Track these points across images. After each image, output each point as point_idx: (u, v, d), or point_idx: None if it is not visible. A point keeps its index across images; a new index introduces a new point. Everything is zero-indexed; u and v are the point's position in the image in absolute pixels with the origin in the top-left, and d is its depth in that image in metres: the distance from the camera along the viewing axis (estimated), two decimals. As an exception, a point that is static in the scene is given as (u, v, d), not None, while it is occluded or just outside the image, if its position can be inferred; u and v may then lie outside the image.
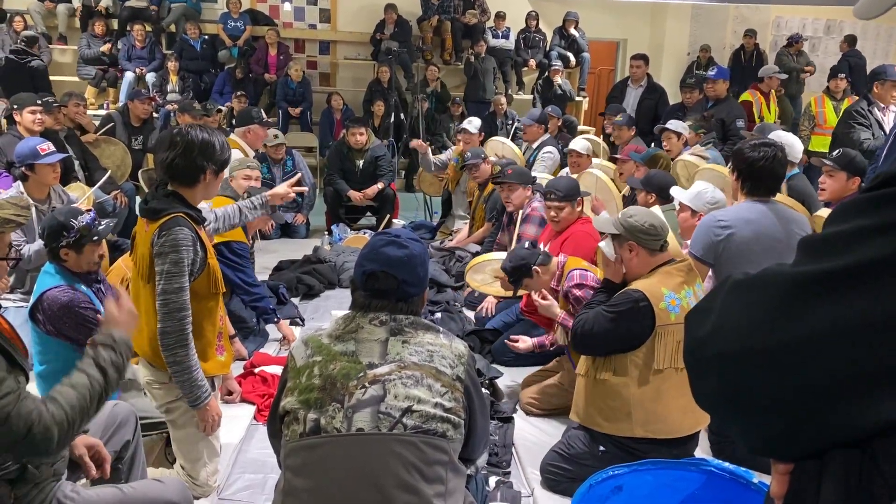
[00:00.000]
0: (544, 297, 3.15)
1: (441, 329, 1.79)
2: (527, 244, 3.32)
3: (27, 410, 1.57)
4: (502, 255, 4.06)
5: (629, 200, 4.86)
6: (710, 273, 3.00)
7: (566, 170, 5.53)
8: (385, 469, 1.60)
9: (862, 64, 8.99)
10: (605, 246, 2.74)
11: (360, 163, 6.45)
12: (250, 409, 3.29)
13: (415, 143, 6.45)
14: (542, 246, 3.69)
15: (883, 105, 5.68)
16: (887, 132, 5.59)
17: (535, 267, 3.19)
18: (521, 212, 4.60)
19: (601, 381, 2.61)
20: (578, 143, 5.38)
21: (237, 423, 3.15)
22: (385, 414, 1.61)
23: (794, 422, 0.72)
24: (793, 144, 4.19)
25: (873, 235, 0.68)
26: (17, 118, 4.86)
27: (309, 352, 1.72)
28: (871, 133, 5.55)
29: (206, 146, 2.39)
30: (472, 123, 6.18)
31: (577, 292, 3.06)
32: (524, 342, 3.40)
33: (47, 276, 2.66)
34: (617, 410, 2.57)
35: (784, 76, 8.00)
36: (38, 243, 3.62)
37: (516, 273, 3.22)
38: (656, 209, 3.57)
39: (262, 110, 5.96)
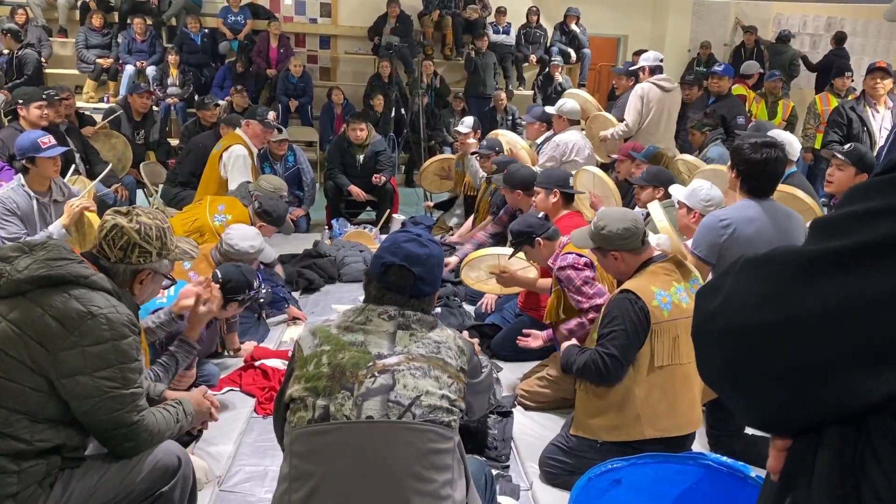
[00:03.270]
0: (529, 336, 3.34)
1: (445, 326, 1.84)
2: (540, 214, 3.37)
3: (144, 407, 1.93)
4: (498, 250, 4.06)
5: (629, 200, 4.87)
6: (710, 273, 3.00)
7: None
8: (395, 457, 1.62)
9: (842, 64, 9.00)
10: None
11: (361, 157, 6.46)
12: (251, 402, 3.30)
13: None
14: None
15: (874, 101, 5.67)
16: (872, 129, 5.60)
17: (538, 238, 3.28)
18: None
19: (603, 392, 2.59)
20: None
21: (238, 415, 3.16)
22: (394, 402, 1.64)
23: (795, 396, 0.74)
24: (792, 143, 4.21)
25: (883, 216, 0.70)
26: (22, 113, 4.86)
27: (317, 341, 1.76)
28: (842, 132, 5.55)
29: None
30: (465, 123, 6.17)
31: (570, 272, 3.12)
32: (535, 338, 3.33)
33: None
34: (624, 416, 2.55)
35: (758, 71, 8.08)
36: (41, 235, 3.64)
37: (520, 238, 3.32)
38: (655, 204, 3.58)
39: (272, 112, 5.92)
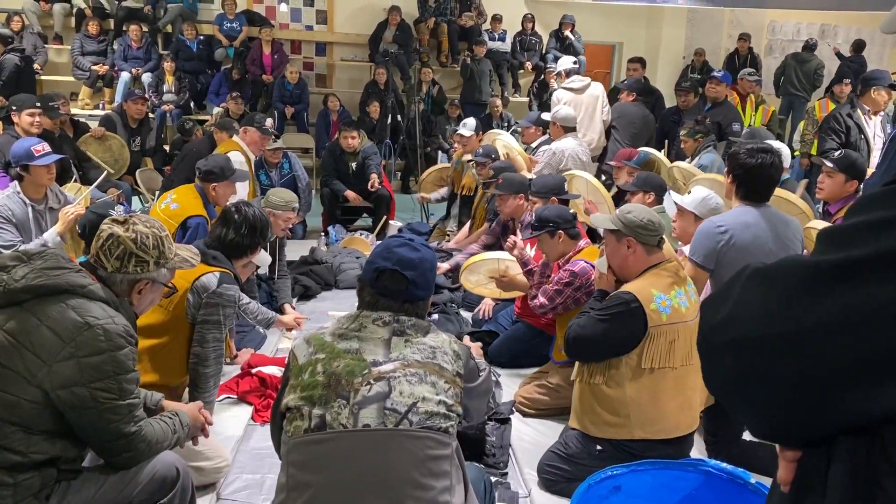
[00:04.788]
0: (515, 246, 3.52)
1: (440, 330, 1.83)
2: (572, 211, 3.39)
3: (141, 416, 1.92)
4: (497, 254, 4.07)
5: (618, 201, 4.88)
6: (708, 281, 2.99)
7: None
8: (393, 465, 1.62)
9: (861, 70, 9.04)
10: (600, 265, 2.79)
11: (354, 165, 6.48)
12: (248, 410, 3.28)
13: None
14: (528, 247, 3.74)
15: (868, 108, 5.69)
16: (868, 136, 5.62)
17: (561, 231, 3.34)
18: (521, 219, 4.55)
19: (596, 386, 2.61)
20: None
21: (235, 423, 3.15)
22: (391, 410, 1.63)
23: (805, 407, 0.73)
24: (783, 151, 4.23)
25: (894, 226, 0.69)
26: (15, 119, 4.85)
27: (311, 349, 1.75)
28: (840, 140, 5.58)
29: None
30: (467, 126, 6.13)
31: (567, 275, 3.21)
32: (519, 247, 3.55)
33: None
34: (615, 414, 2.57)
35: (755, 78, 8.05)
36: (35, 243, 3.62)
37: (545, 224, 3.37)
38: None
39: (269, 119, 5.92)
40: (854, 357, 0.69)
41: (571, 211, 3.46)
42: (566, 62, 6.83)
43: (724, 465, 1.88)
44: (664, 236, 3.31)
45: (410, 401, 1.64)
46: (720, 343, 0.80)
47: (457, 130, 6.24)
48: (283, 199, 4.12)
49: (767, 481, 1.97)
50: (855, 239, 0.72)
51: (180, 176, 5.91)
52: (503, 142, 5.85)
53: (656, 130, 7.02)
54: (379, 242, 1.93)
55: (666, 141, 6.86)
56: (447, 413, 1.68)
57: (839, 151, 3.90)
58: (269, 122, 5.79)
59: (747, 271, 0.82)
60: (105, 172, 5.20)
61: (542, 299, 3.30)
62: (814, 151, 6.72)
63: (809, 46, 9.90)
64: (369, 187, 6.34)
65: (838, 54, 10.21)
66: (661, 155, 5.53)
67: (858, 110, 5.71)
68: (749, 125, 7.08)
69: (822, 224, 3.54)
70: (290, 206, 4.13)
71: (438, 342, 1.75)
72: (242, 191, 5.05)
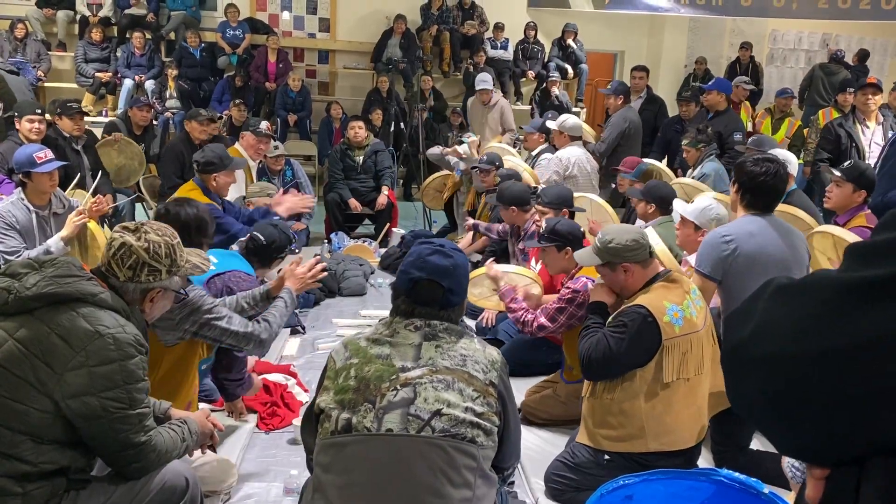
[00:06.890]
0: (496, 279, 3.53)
1: (475, 336, 1.85)
2: (583, 231, 3.39)
3: (151, 426, 1.91)
4: (502, 267, 4.05)
5: (629, 213, 4.87)
6: (716, 290, 2.97)
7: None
8: (411, 471, 1.63)
9: (845, 79, 9.03)
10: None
11: (360, 158, 6.53)
12: (252, 418, 3.27)
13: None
14: (533, 262, 3.73)
15: (864, 116, 5.70)
16: (862, 145, 5.62)
17: (569, 248, 3.32)
18: (525, 227, 4.53)
19: (609, 402, 2.59)
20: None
21: (239, 431, 3.13)
22: (414, 416, 1.65)
23: (837, 427, 0.72)
24: (788, 160, 4.23)
25: None
26: (17, 125, 4.88)
27: (347, 354, 1.78)
28: (831, 148, 5.60)
29: (201, 223, 2.85)
30: (463, 151, 6.15)
31: (570, 293, 3.16)
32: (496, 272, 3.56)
33: (242, 262, 3.15)
34: (630, 428, 2.55)
35: (751, 87, 8.03)
36: (38, 249, 3.61)
37: (555, 238, 3.36)
38: (649, 229, 3.56)
39: (264, 122, 5.93)
40: (888, 377, 0.67)
41: (582, 229, 3.44)
42: (481, 80, 7.57)
43: (737, 474, 1.86)
44: (664, 246, 3.32)
45: (435, 407, 1.66)
46: (747, 360, 0.78)
47: (462, 141, 6.27)
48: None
49: (781, 492, 1.95)
50: (887, 255, 0.70)
51: (166, 172, 5.97)
52: (511, 163, 5.85)
53: (658, 140, 7.03)
54: (411, 249, 1.92)
55: (667, 150, 6.86)
56: (476, 421, 1.68)
57: (848, 162, 3.90)
58: (263, 124, 5.80)
59: (771, 287, 0.80)
60: (99, 176, 5.14)
61: (542, 319, 3.18)
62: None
63: (837, 59, 9.80)
64: (377, 206, 6.46)
65: (834, 55, 10.15)
66: (662, 166, 5.54)
67: (853, 119, 5.72)
68: (747, 131, 7.08)
69: (828, 227, 3.53)
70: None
71: (470, 350, 1.76)
72: (238, 189, 5.07)
